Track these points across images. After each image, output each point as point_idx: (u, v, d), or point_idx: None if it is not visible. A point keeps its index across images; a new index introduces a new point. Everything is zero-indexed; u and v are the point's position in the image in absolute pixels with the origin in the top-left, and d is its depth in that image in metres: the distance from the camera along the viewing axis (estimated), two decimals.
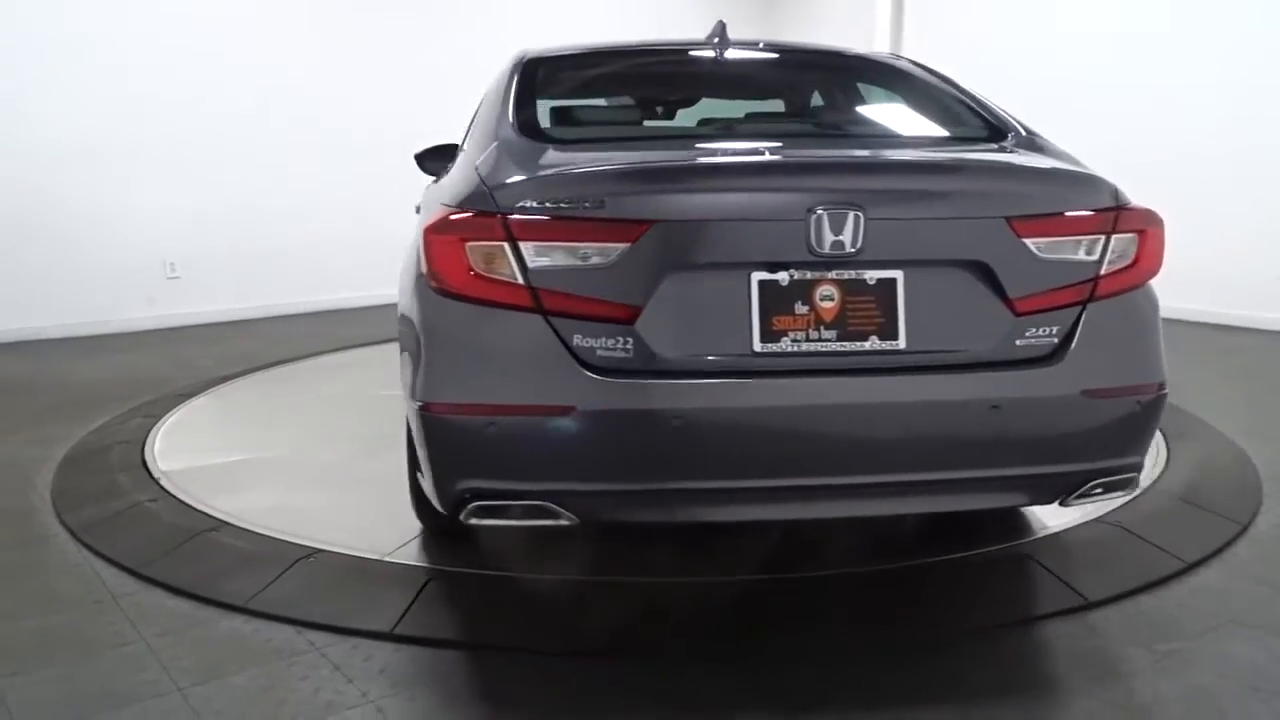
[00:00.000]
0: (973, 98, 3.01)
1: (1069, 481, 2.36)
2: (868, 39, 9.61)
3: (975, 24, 8.95)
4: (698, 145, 2.80)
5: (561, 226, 2.17)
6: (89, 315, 7.19)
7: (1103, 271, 2.33)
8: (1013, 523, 3.21)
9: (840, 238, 2.16)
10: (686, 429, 2.15)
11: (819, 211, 2.15)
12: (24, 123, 6.91)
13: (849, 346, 2.21)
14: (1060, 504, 2.40)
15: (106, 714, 2.21)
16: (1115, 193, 2.39)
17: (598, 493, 2.24)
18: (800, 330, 2.20)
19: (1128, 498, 3.13)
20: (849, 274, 2.21)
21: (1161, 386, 2.40)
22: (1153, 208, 2.46)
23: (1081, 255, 2.32)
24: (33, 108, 6.94)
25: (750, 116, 3.45)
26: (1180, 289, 7.41)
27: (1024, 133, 2.75)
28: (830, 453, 2.25)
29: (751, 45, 3.55)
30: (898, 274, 2.22)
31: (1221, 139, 7.26)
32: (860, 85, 3.51)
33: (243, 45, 7.73)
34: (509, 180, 2.27)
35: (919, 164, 2.52)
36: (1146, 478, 3.63)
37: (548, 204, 2.17)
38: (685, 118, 3.51)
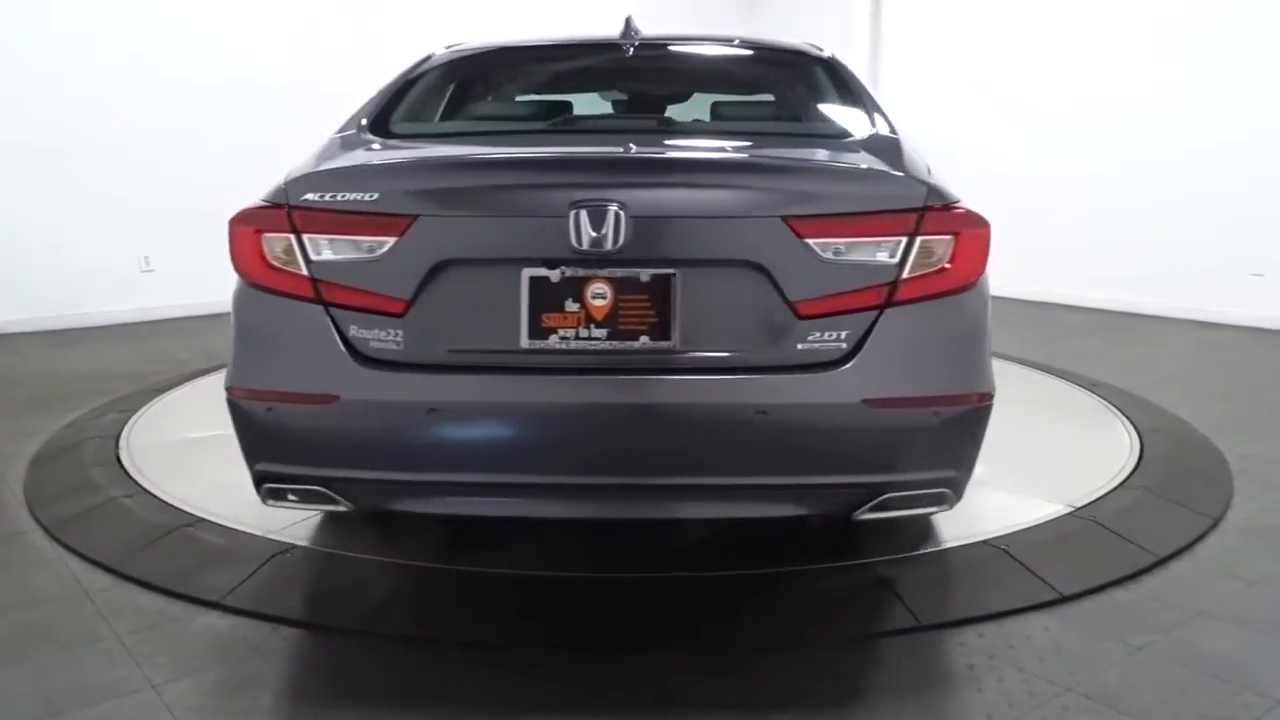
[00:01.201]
0: (851, 93, 2.91)
1: (854, 495, 2.26)
2: (845, 39, 9.64)
3: (953, 23, 8.99)
4: (524, 141, 2.77)
5: (336, 220, 2.23)
6: (62, 309, 7.12)
7: (904, 275, 2.20)
8: (980, 519, 3.24)
9: (600, 235, 2.13)
10: (446, 422, 2.20)
11: (579, 208, 2.13)
12: None
13: (619, 346, 2.19)
14: (853, 518, 2.29)
15: (80, 711, 2.19)
16: (925, 194, 2.24)
17: (368, 481, 2.30)
18: (570, 328, 2.19)
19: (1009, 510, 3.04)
20: (622, 272, 2.19)
21: (981, 398, 2.29)
22: (975, 209, 2.30)
23: (877, 258, 2.20)
24: (4, 102, 6.86)
25: (610, 114, 3.41)
26: (1156, 285, 7.53)
27: (878, 131, 2.61)
28: (595, 453, 2.23)
29: (659, 42, 3.43)
30: (673, 273, 2.18)
31: (1198, 137, 7.32)
32: (746, 78, 3.50)
33: (218, 38, 7.67)
34: (300, 174, 2.33)
35: (686, 161, 2.46)
36: (1120, 472, 3.67)
37: (325, 197, 2.23)
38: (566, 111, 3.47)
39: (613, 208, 2.13)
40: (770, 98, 3.42)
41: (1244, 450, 4.05)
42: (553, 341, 2.20)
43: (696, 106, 3.52)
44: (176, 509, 3.29)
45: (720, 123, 3.04)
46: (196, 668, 2.36)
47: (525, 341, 2.20)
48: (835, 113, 2.92)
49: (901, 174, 2.32)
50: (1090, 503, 3.36)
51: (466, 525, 3.12)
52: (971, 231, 2.26)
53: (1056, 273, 8.23)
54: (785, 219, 2.17)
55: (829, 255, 2.18)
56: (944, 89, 9.02)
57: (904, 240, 2.20)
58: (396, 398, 2.20)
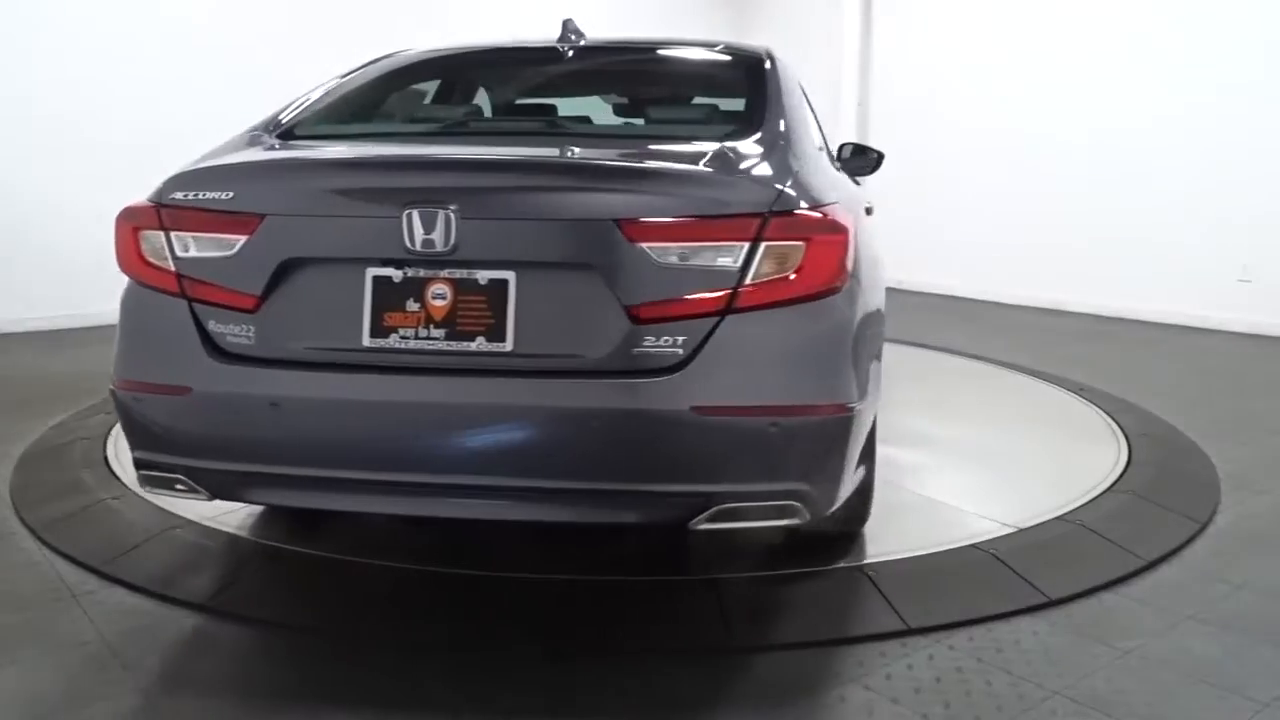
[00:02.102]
0: (764, 95, 2.84)
1: (687, 503, 2.20)
2: (837, 42, 9.67)
3: (943, 29, 9.02)
4: (407, 143, 2.81)
5: (197, 218, 2.31)
6: (51, 309, 7.08)
7: (747, 282, 2.14)
8: (968, 523, 3.25)
9: (431, 236, 2.15)
10: (288, 417, 2.24)
11: (411, 209, 2.16)
12: None
13: (456, 346, 2.20)
14: (691, 526, 2.21)
15: (66, 714, 2.17)
16: (773, 199, 2.19)
17: (220, 471, 2.33)
18: (410, 327, 2.21)
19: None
20: (461, 273, 2.20)
21: (837, 409, 2.23)
22: (832, 214, 2.27)
23: (717, 263, 2.15)
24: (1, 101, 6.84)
25: (505, 115, 3.38)
26: (1145, 290, 7.57)
27: (764, 134, 2.56)
28: (430, 451, 2.24)
29: (598, 46, 3.40)
30: (510, 275, 2.19)
31: (1187, 144, 7.37)
32: (669, 81, 3.49)
33: (207, 35, 7.64)
34: (175, 173, 2.41)
35: (519, 163, 2.45)
36: (1108, 477, 3.69)
37: (188, 196, 2.32)
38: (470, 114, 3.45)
39: (444, 210, 2.15)
40: (674, 99, 3.41)
41: (1231, 455, 4.08)
42: (393, 340, 2.22)
43: (605, 109, 3.55)
44: (164, 511, 3.27)
45: (605, 124, 3.08)
46: (184, 671, 2.35)
47: (367, 340, 2.23)
48: (729, 114, 2.87)
49: (747, 178, 2.27)
50: (1078, 507, 3.38)
51: (460, 527, 3.12)
52: (824, 238, 2.21)
53: (1045, 278, 8.27)
54: (618, 222, 2.15)
55: (664, 260, 2.15)
56: (934, 95, 9.05)
57: (746, 246, 2.15)
58: (241, 391, 2.26)
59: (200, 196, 2.31)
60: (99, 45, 7.22)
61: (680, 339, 2.14)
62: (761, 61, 3.08)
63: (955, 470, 3.93)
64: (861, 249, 2.50)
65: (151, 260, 2.35)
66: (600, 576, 2.81)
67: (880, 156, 4.69)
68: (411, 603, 2.70)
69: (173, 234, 2.32)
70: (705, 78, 3.37)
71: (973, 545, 3.03)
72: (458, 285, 2.20)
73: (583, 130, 3.02)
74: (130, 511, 3.30)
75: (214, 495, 2.39)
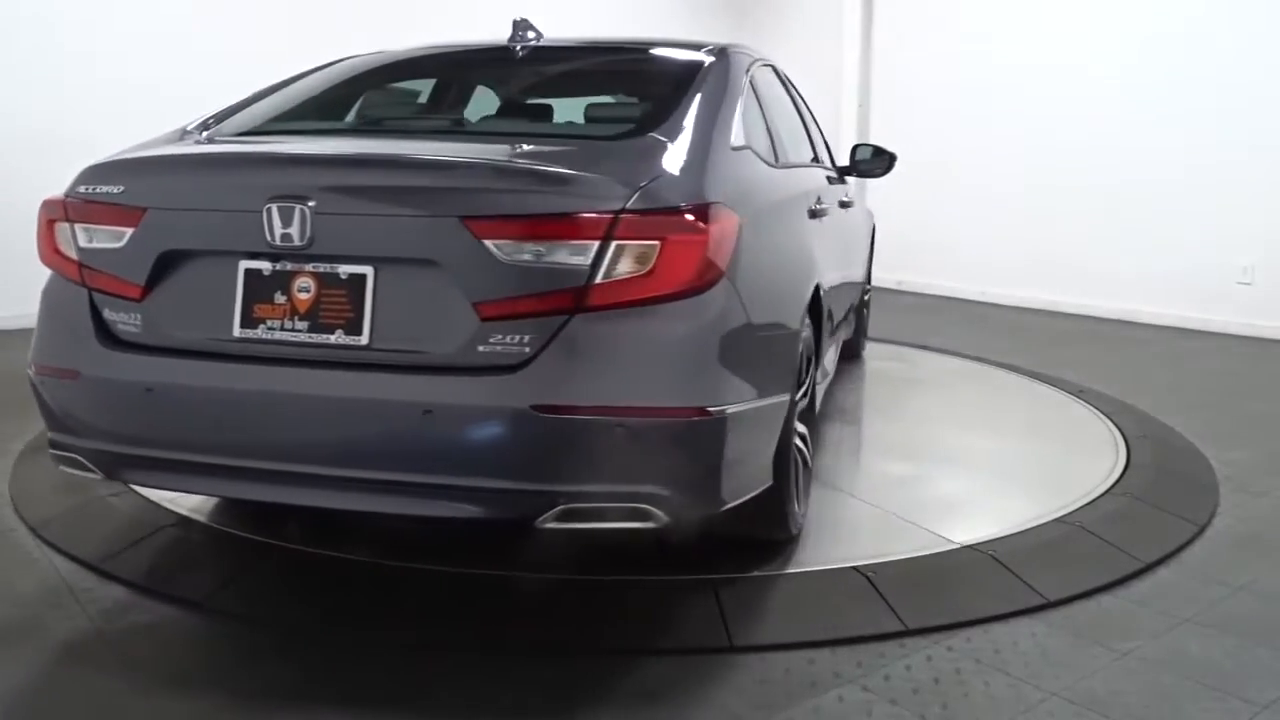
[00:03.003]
0: (686, 95, 2.80)
1: (530, 502, 2.20)
2: (838, 43, 9.67)
3: (944, 28, 9.02)
4: (292, 140, 2.85)
5: (94, 210, 2.44)
6: None
7: (598, 280, 2.14)
8: (967, 525, 3.25)
9: (289, 230, 2.22)
10: (160, 403, 2.34)
11: (271, 205, 2.23)
12: None
13: (316, 338, 2.26)
14: (537, 525, 2.21)
15: (64, 713, 2.17)
16: (628, 198, 2.17)
17: (107, 453, 2.44)
18: (277, 319, 2.28)
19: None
20: (325, 268, 2.26)
21: (696, 412, 2.20)
22: (695, 214, 2.24)
23: (566, 261, 2.15)
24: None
25: (415, 115, 3.38)
26: (1144, 292, 7.57)
27: (658, 134, 2.53)
28: (290, 441, 2.29)
29: (548, 46, 3.42)
30: (368, 270, 2.24)
31: (1186, 146, 7.37)
32: (592, 80, 3.50)
33: (205, 31, 7.62)
34: (84, 167, 2.52)
35: (369, 160, 2.48)
36: (1107, 478, 3.69)
37: (89, 190, 2.45)
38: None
39: (301, 205, 2.21)
40: (597, 98, 3.40)
41: (1230, 457, 4.08)
42: (261, 331, 2.29)
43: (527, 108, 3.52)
44: (163, 508, 3.27)
45: (505, 123, 3.13)
46: (181, 668, 2.35)
47: (238, 330, 2.31)
48: (641, 113, 2.85)
49: (600, 177, 2.23)
50: (1077, 509, 3.38)
51: (456, 525, 3.12)
52: (681, 238, 2.19)
53: (1044, 279, 8.27)
54: (463, 219, 2.16)
55: (511, 257, 2.15)
56: (933, 95, 9.05)
57: (596, 244, 2.14)
58: (119, 376, 2.38)
59: (97, 190, 2.44)
60: (94, 47, 7.21)
61: (527, 337, 2.15)
62: (701, 61, 3.07)
63: (953, 471, 3.93)
64: (762, 250, 2.54)
65: (61, 250, 2.50)
66: (599, 576, 2.81)
67: (892, 157, 4.71)
68: (412, 601, 2.70)
69: (76, 226, 2.47)
70: (639, 76, 3.33)
71: (971, 546, 3.03)
72: (321, 279, 2.26)
73: (474, 129, 3.03)
74: (128, 509, 3.30)
75: (107, 475, 2.50)
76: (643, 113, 2.75)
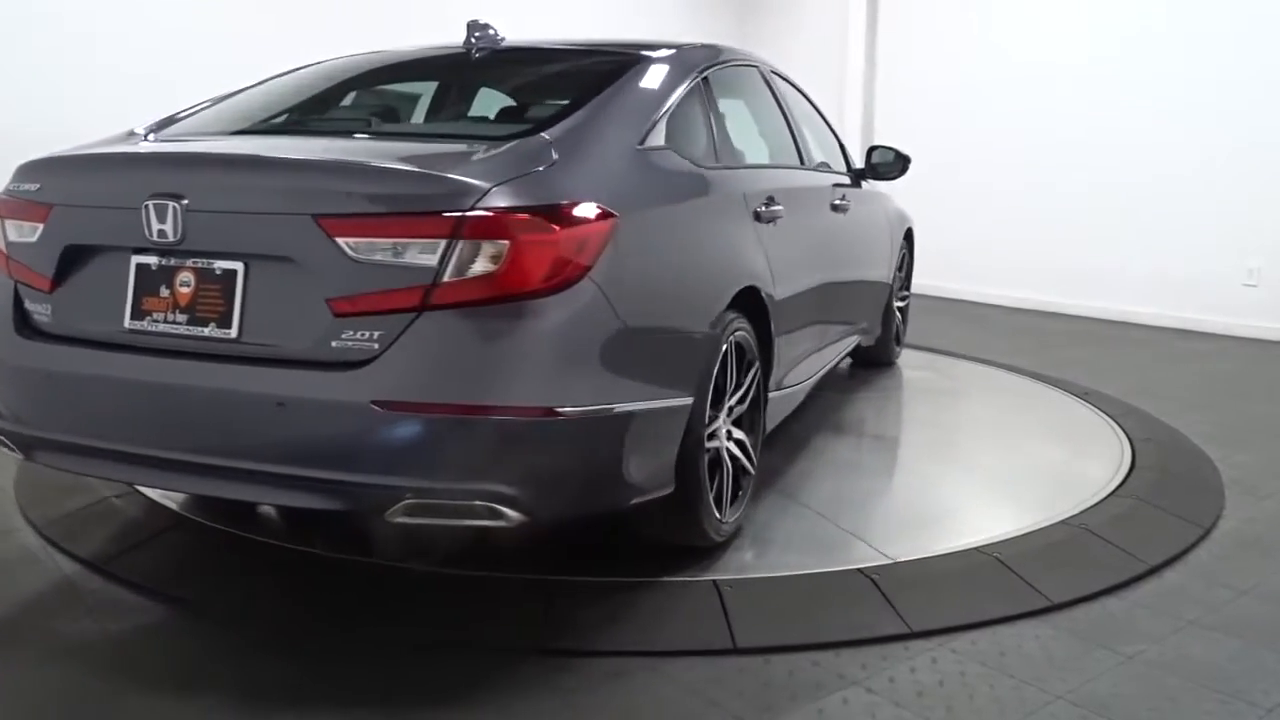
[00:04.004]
0: (596, 95, 2.81)
1: (375, 495, 2.24)
2: (842, 45, 9.66)
3: (949, 28, 9.01)
4: (220, 140, 2.89)
5: (15, 206, 2.60)
6: None
7: (445, 279, 2.16)
8: (972, 527, 3.24)
9: (164, 227, 2.33)
10: (62, 389, 2.48)
11: (149, 202, 2.33)
12: None
13: (192, 331, 2.35)
14: (386, 518, 2.25)
15: (69, 714, 2.18)
16: (478, 196, 2.18)
17: (24, 435, 2.56)
18: (161, 312, 2.38)
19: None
20: (203, 263, 2.35)
21: (544, 412, 2.22)
22: (550, 214, 2.23)
23: (415, 260, 2.17)
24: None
25: (337, 117, 3.37)
26: (1149, 294, 7.56)
27: (547, 135, 2.53)
28: (167, 429, 2.38)
29: (496, 50, 3.43)
30: (239, 266, 2.32)
31: (1191, 146, 7.36)
32: (522, 83, 3.48)
33: (201, 29, 7.62)
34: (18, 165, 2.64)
35: (234, 159, 2.56)
36: (1112, 480, 3.68)
37: (14, 187, 2.60)
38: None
39: (174, 202, 2.31)
40: (515, 100, 3.41)
41: (1235, 459, 4.07)
42: (147, 323, 2.40)
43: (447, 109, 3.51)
44: (168, 510, 3.28)
45: (412, 124, 3.15)
46: (186, 670, 2.35)
47: (128, 322, 2.42)
48: (545, 114, 2.83)
49: (451, 176, 2.24)
50: (1082, 511, 3.37)
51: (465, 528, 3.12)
52: (530, 238, 2.20)
53: (1049, 281, 8.26)
54: (316, 217, 2.21)
55: (362, 255, 2.19)
56: (937, 98, 9.04)
57: (443, 243, 2.16)
58: (29, 364, 2.52)
59: (20, 188, 2.58)
60: (104, 55, 7.23)
61: (376, 334, 2.18)
62: (634, 62, 3.07)
63: (958, 473, 3.92)
64: (657, 250, 2.55)
65: None
66: (601, 578, 2.81)
67: (907, 160, 4.71)
68: (414, 603, 2.70)
69: (6, 221, 2.63)
70: (570, 77, 3.27)
71: (976, 548, 3.03)
72: (200, 274, 2.36)
73: (376, 130, 3.04)
74: (134, 509, 3.30)
75: (25, 456, 2.60)
76: (549, 113, 2.77)
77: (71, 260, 2.50)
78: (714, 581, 2.77)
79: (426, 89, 3.61)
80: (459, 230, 2.16)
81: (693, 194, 2.91)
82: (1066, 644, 2.52)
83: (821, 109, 4.80)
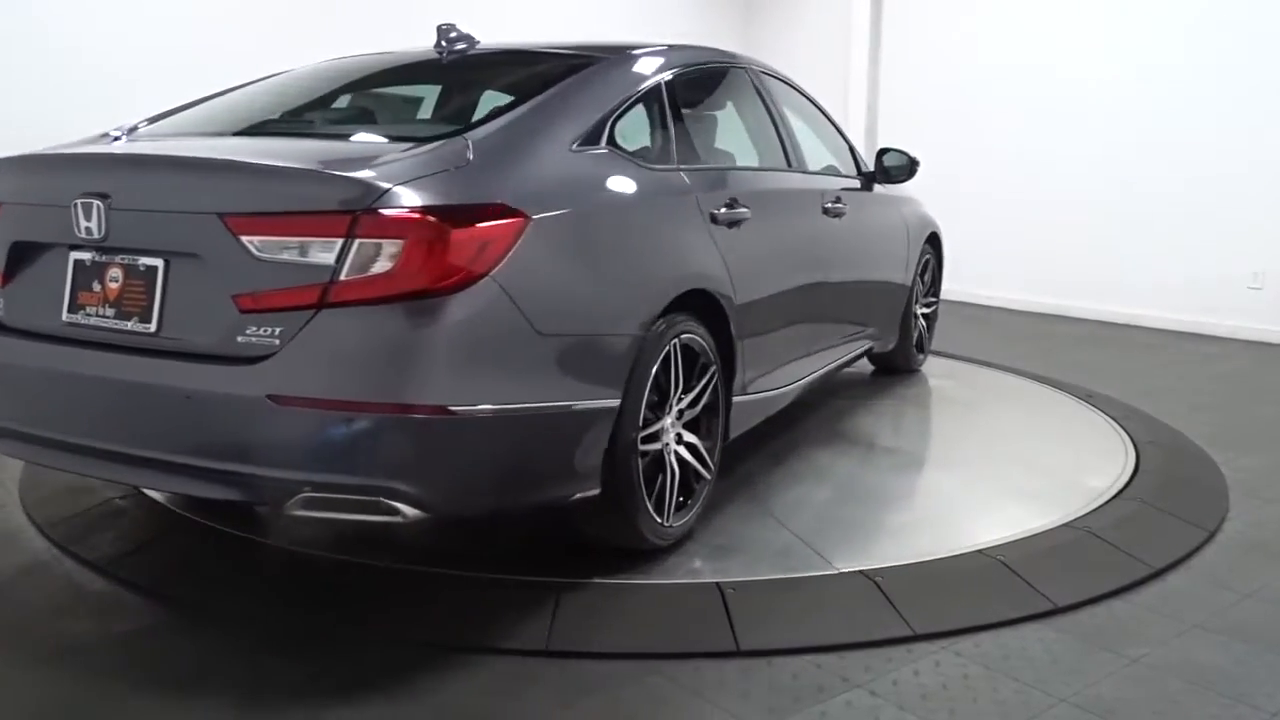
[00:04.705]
0: (525, 98, 2.82)
1: (272, 488, 2.29)
2: (845, 47, 9.66)
3: (953, 28, 9.01)
4: (170, 141, 2.96)
5: None
6: None
7: (342, 277, 2.20)
8: (975, 529, 3.24)
9: (90, 224, 2.43)
10: (9, 379, 2.62)
11: (77, 201, 2.43)
12: None
13: (118, 325, 2.45)
14: (285, 511, 2.30)
15: (70, 713, 2.18)
16: (373, 196, 2.21)
17: None
18: (94, 306, 2.49)
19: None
20: (129, 259, 2.45)
21: (434, 409, 2.22)
22: (450, 214, 2.24)
23: (313, 258, 2.22)
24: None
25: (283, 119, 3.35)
26: (1154, 297, 7.55)
27: (468, 135, 2.55)
28: (94, 418, 2.48)
29: (460, 54, 3.44)
30: (159, 262, 2.41)
31: (1196, 149, 7.35)
32: (473, 86, 3.44)
33: (201, 30, 7.63)
34: None
35: (150, 159, 2.65)
36: (1116, 483, 3.67)
37: None
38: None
39: (98, 201, 2.41)
40: (463, 102, 3.39)
41: (1240, 462, 4.06)
42: (81, 317, 2.51)
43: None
44: (172, 511, 3.28)
45: (347, 126, 3.21)
46: (188, 670, 2.36)
47: (65, 315, 2.53)
48: (480, 114, 2.83)
49: (349, 176, 2.27)
50: (1086, 514, 3.37)
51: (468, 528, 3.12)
52: (425, 237, 2.21)
53: (1052, 283, 8.25)
54: (222, 216, 2.28)
55: (265, 253, 2.26)
56: (941, 100, 9.03)
57: (340, 242, 2.20)
58: None
59: None
60: (105, 54, 7.25)
61: (277, 330, 2.24)
62: (588, 65, 3.08)
63: (961, 475, 3.92)
64: (579, 251, 2.57)
65: None
66: (603, 579, 2.81)
67: (915, 162, 4.69)
68: (418, 604, 2.70)
69: None
70: (522, 80, 3.19)
71: (979, 551, 3.02)
72: (127, 270, 2.45)
73: (309, 131, 3.08)
74: (138, 511, 3.31)
75: None
76: (484, 115, 2.78)
77: (19, 256, 2.63)
78: (717, 584, 2.77)
79: (386, 93, 3.62)
80: (354, 229, 2.20)
81: (631, 196, 2.88)
82: (1070, 647, 2.52)
83: (828, 112, 4.76)
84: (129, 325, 2.43)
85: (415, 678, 2.33)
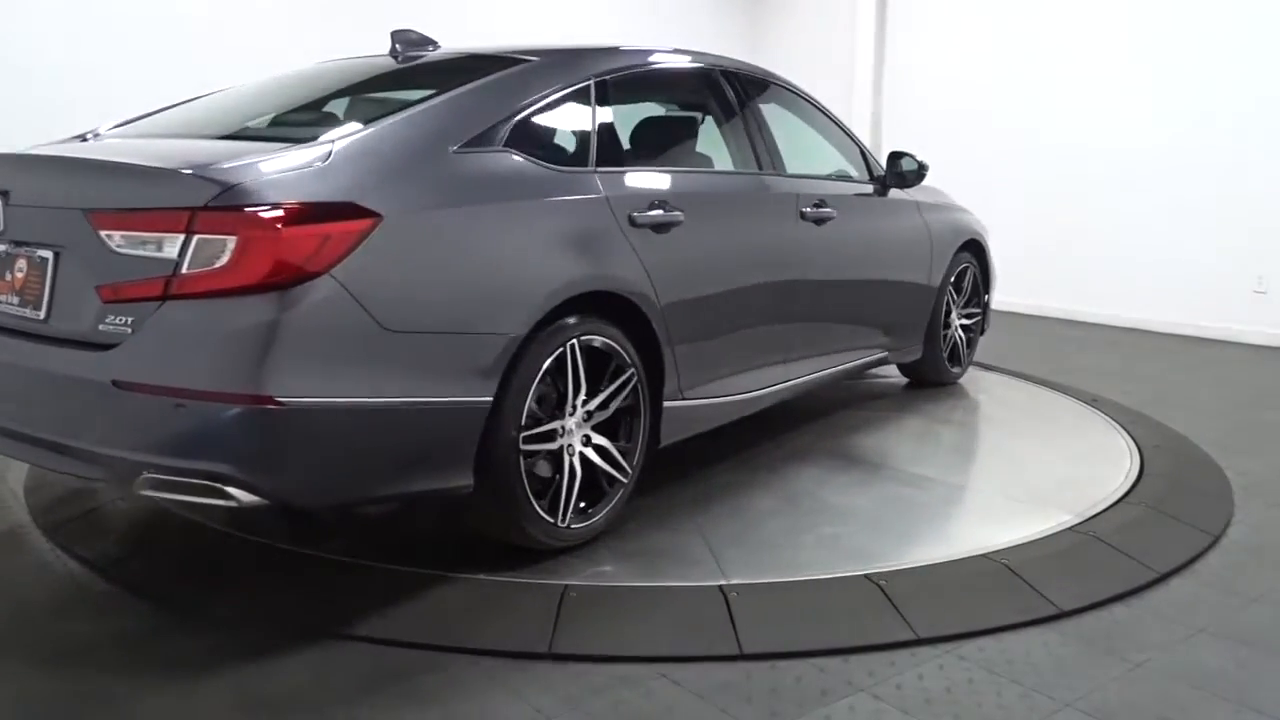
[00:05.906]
0: (420, 100, 2.89)
1: (122, 468, 2.43)
2: (850, 53, 9.66)
3: (958, 28, 9.01)
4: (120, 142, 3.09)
5: None
6: None
7: (184, 271, 2.32)
8: (980, 533, 3.23)
9: None
10: None
11: None
12: None
13: (20, 312, 2.64)
14: (134, 490, 2.41)
15: (71, 714, 2.18)
16: (212, 194, 2.30)
17: None
18: (5, 294, 2.69)
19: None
20: (29, 251, 2.63)
21: (261, 399, 2.28)
22: (271, 213, 2.30)
23: (159, 252, 2.36)
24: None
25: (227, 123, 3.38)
26: (1158, 301, 7.54)
27: (379, 131, 2.66)
28: (4, 401, 2.67)
29: (416, 58, 3.48)
30: (49, 254, 2.59)
31: (1201, 152, 7.34)
32: (408, 88, 3.43)
33: (199, 40, 7.65)
34: None
35: (37, 160, 2.81)
36: (1121, 488, 3.67)
37: None
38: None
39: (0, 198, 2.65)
40: (382, 103, 3.34)
41: (1245, 467, 4.05)
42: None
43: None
44: (174, 514, 3.28)
45: (270, 128, 3.21)
46: (189, 670, 2.36)
47: None
48: (371, 115, 2.86)
49: (191, 174, 2.39)
50: (1091, 518, 3.36)
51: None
52: (256, 234, 2.29)
53: (1057, 288, 8.24)
54: (85, 212, 2.47)
55: (119, 247, 2.42)
56: (946, 105, 9.03)
57: (181, 237, 2.33)
58: None
59: None
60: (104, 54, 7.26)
61: (129, 319, 2.39)
62: (504, 67, 3.12)
63: (965, 479, 3.91)
64: (443, 251, 2.60)
65: None
66: (605, 582, 2.81)
67: (924, 166, 4.67)
68: (421, 606, 2.70)
69: None
70: (436, 84, 3.13)
71: (983, 555, 3.02)
72: (29, 261, 2.64)
73: (226, 135, 3.07)
74: (140, 514, 3.31)
75: None
76: (372, 116, 2.83)
77: None
78: (720, 587, 2.77)
79: (326, 98, 3.56)
80: (193, 225, 2.32)
81: (522, 197, 2.87)
82: (1075, 651, 2.51)
83: (835, 116, 4.70)
84: (28, 313, 2.61)
85: (418, 679, 2.33)
